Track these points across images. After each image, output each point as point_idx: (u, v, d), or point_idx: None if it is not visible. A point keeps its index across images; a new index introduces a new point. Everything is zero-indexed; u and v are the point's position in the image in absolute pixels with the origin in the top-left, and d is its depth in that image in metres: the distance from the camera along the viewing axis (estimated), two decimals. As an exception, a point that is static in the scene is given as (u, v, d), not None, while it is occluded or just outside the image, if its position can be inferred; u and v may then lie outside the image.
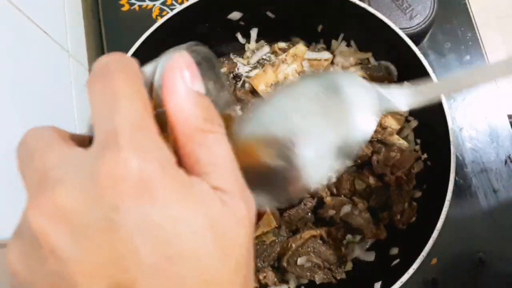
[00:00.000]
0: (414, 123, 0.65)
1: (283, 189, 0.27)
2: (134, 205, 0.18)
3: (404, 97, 0.30)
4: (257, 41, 0.72)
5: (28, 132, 0.22)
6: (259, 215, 0.61)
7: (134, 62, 0.22)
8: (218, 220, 0.20)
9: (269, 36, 0.72)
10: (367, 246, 0.62)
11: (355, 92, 0.28)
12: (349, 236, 0.62)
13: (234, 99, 0.67)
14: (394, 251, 0.59)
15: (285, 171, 0.26)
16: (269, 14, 0.68)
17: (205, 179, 0.21)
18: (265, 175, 0.27)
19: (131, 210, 0.18)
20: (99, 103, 0.20)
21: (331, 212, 0.61)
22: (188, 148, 0.21)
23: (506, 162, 0.67)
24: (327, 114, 0.28)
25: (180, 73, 0.22)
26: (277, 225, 0.61)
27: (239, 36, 0.72)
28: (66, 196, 0.18)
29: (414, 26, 0.69)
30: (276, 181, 0.27)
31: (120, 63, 0.21)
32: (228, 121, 0.29)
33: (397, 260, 0.57)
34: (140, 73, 0.22)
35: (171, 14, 0.60)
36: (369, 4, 0.68)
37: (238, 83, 0.71)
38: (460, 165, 0.67)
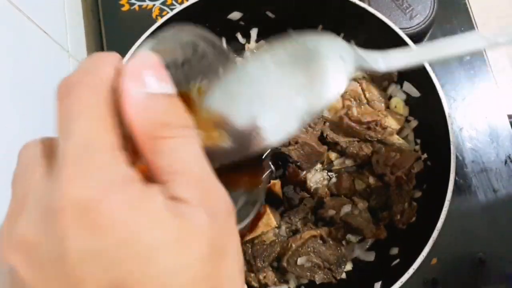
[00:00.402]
0: (414, 123, 0.65)
1: (244, 147, 0.27)
2: (78, 235, 0.18)
3: (382, 59, 0.31)
4: (257, 41, 0.72)
5: (20, 151, 0.22)
6: (259, 215, 0.61)
7: (104, 67, 0.21)
8: (170, 234, 0.19)
9: (269, 36, 0.72)
10: (367, 246, 0.62)
11: (331, 51, 0.29)
12: (349, 236, 0.62)
13: None
14: (394, 251, 0.59)
15: (249, 134, 0.27)
16: (269, 14, 0.68)
17: (166, 188, 0.20)
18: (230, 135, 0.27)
19: (76, 239, 0.18)
20: (58, 124, 0.21)
21: (331, 212, 0.61)
22: (148, 157, 0.21)
23: (506, 162, 0.67)
24: (298, 77, 0.28)
25: (134, 77, 0.21)
26: (277, 225, 0.61)
27: (239, 36, 0.72)
28: (26, 228, 0.19)
29: (414, 26, 0.69)
30: (239, 140, 0.27)
31: (85, 73, 0.21)
32: None
33: (397, 260, 0.57)
34: (108, 80, 0.21)
35: (171, 14, 0.60)
36: (369, 4, 0.68)
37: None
38: (460, 165, 0.67)
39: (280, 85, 0.28)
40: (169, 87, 0.22)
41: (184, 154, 0.21)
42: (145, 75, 0.21)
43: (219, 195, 0.22)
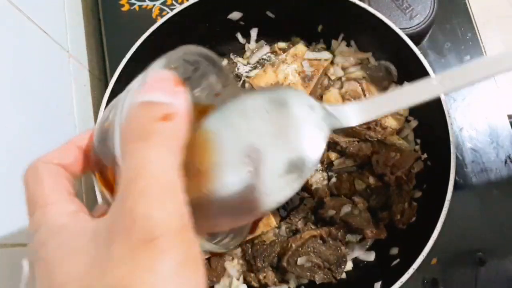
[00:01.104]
0: (414, 123, 0.65)
1: (242, 215, 0.25)
2: None
3: (352, 113, 0.30)
4: (257, 41, 0.72)
5: None
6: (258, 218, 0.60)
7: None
8: None
9: (269, 36, 0.72)
10: (367, 246, 0.62)
11: (302, 109, 0.27)
12: (349, 236, 0.62)
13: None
14: (394, 251, 0.59)
15: (240, 195, 0.25)
16: (269, 14, 0.68)
17: None
18: (224, 203, 0.25)
19: None
20: None
21: (331, 212, 0.61)
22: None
23: (506, 162, 0.67)
24: (278, 132, 0.27)
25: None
26: (277, 225, 0.61)
27: (239, 36, 0.72)
28: None
29: (414, 26, 0.69)
30: (233, 208, 0.25)
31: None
32: None
33: (397, 260, 0.57)
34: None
35: (171, 14, 0.60)
36: (369, 4, 0.68)
37: (238, 83, 0.71)
38: (460, 165, 0.67)
39: (264, 138, 0.26)
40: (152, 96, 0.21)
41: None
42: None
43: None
